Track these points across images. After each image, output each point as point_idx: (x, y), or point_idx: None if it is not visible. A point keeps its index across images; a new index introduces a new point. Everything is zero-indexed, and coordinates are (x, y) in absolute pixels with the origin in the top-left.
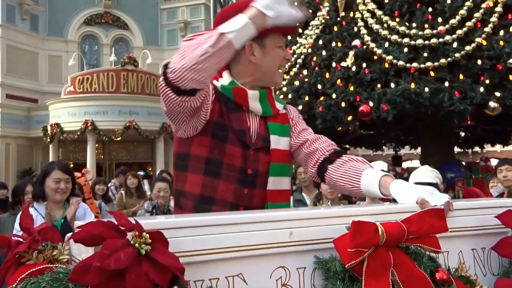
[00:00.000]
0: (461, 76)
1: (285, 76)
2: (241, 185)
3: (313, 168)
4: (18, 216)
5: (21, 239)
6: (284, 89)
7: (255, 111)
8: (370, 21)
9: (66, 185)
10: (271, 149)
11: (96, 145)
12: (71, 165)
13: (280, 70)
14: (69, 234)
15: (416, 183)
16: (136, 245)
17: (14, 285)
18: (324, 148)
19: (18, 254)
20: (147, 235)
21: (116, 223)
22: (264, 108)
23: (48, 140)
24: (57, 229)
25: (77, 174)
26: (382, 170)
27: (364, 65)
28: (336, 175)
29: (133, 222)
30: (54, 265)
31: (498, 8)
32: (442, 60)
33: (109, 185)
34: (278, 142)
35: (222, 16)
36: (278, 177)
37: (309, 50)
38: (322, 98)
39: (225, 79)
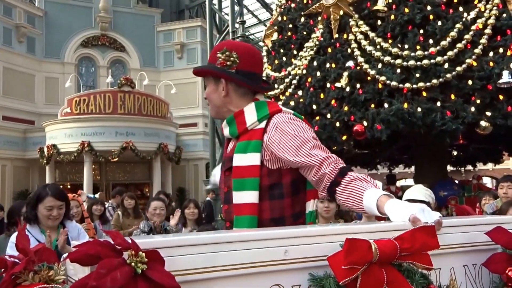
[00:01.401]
0: (452, 96)
1: (281, 97)
2: (225, 203)
3: (323, 192)
4: (12, 237)
5: (17, 260)
6: None
7: (228, 136)
8: (363, 42)
9: (59, 211)
10: (232, 167)
11: (93, 166)
12: (68, 186)
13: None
14: (65, 254)
15: (410, 201)
16: (132, 264)
17: None
18: (330, 172)
19: (14, 275)
20: (143, 254)
21: (112, 242)
22: (230, 131)
23: (45, 161)
24: (53, 249)
25: (74, 194)
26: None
27: (358, 85)
28: (343, 197)
29: (129, 241)
30: (50, 286)
31: (488, 30)
32: (434, 81)
33: (106, 205)
34: (240, 159)
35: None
36: (239, 192)
37: (304, 71)
38: (317, 118)
39: None
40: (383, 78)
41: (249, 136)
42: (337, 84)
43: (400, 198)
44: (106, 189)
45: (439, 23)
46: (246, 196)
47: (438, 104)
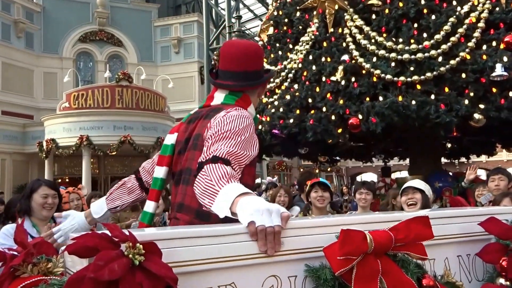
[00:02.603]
0: (446, 89)
1: (277, 91)
2: None
3: None
4: (3, 228)
5: (15, 253)
6: (276, 103)
7: None
8: (358, 36)
9: (53, 200)
10: None
11: (92, 159)
12: (67, 180)
13: None
14: (63, 247)
15: (410, 188)
16: (130, 256)
17: None
18: None
19: (13, 267)
20: (141, 246)
21: (110, 234)
22: None
23: (44, 155)
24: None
25: (75, 188)
26: (365, 181)
27: (353, 79)
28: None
29: (127, 233)
30: (49, 278)
31: (481, 24)
32: (428, 74)
33: None
34: None
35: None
36: None
37: (300, 65)
38: (312, 112)
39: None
40: (377, 71)
41: None
42: (333, 78)
43: (396, 190)
44: (105, 183)
45: (433, 17)
46: None
47: (432, 97)
